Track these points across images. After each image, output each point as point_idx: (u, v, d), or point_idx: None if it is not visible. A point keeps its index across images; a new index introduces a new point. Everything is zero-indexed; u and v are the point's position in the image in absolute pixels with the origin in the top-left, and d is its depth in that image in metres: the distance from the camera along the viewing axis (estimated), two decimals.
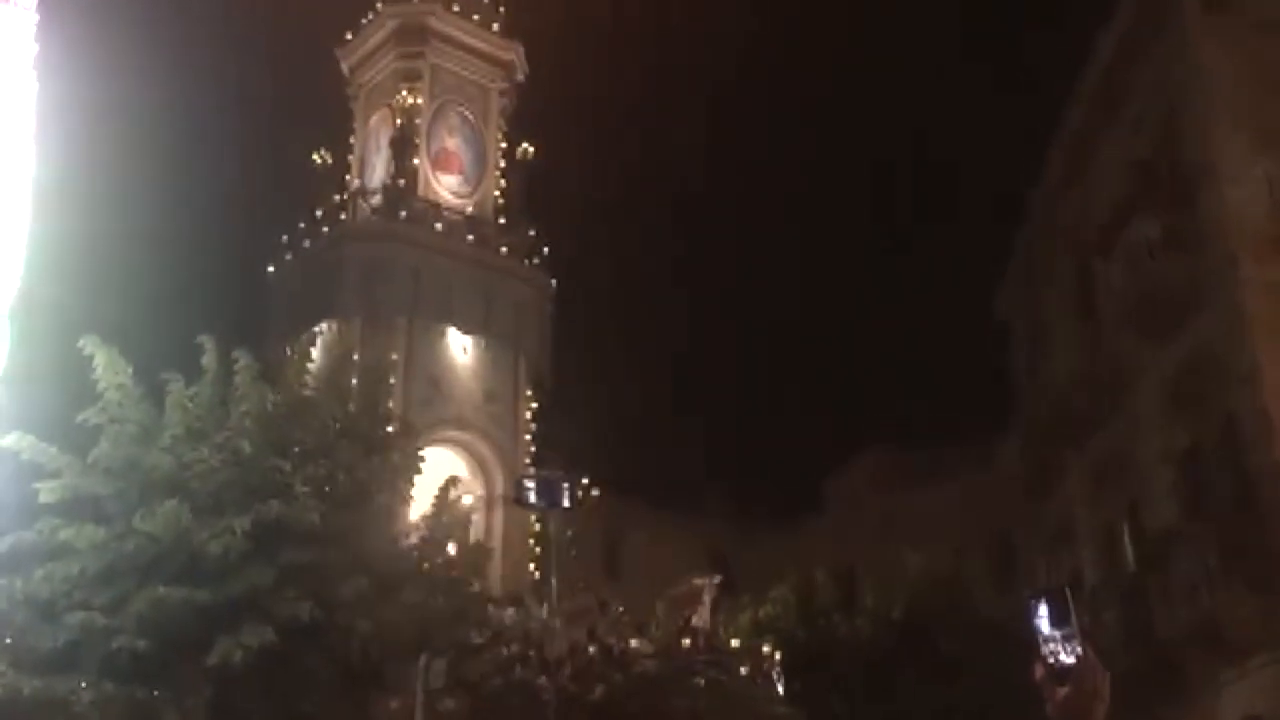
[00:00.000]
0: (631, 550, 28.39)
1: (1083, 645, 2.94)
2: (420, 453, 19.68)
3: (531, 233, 23.52)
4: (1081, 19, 19.90)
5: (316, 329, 21.25)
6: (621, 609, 18.70)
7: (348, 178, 24.17)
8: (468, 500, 21.75)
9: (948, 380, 39.86)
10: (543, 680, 14.88)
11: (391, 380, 20.12)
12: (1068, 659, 2.96)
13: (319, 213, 23.11)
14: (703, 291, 48.15)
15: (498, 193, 24.02)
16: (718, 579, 16.47)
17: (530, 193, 24.13)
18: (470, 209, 23.51)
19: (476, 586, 13.67)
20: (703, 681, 14.77)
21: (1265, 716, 14.99)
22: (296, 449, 11.11)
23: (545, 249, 23.57)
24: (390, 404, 19.60)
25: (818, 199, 48.29)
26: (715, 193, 48.83)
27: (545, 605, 17.92)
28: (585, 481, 21.25)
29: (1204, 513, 16.10)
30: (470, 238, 22.76)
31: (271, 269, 23.20)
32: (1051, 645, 3.00)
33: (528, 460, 22.15)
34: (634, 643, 16.60)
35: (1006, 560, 26.02)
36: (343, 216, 22.92)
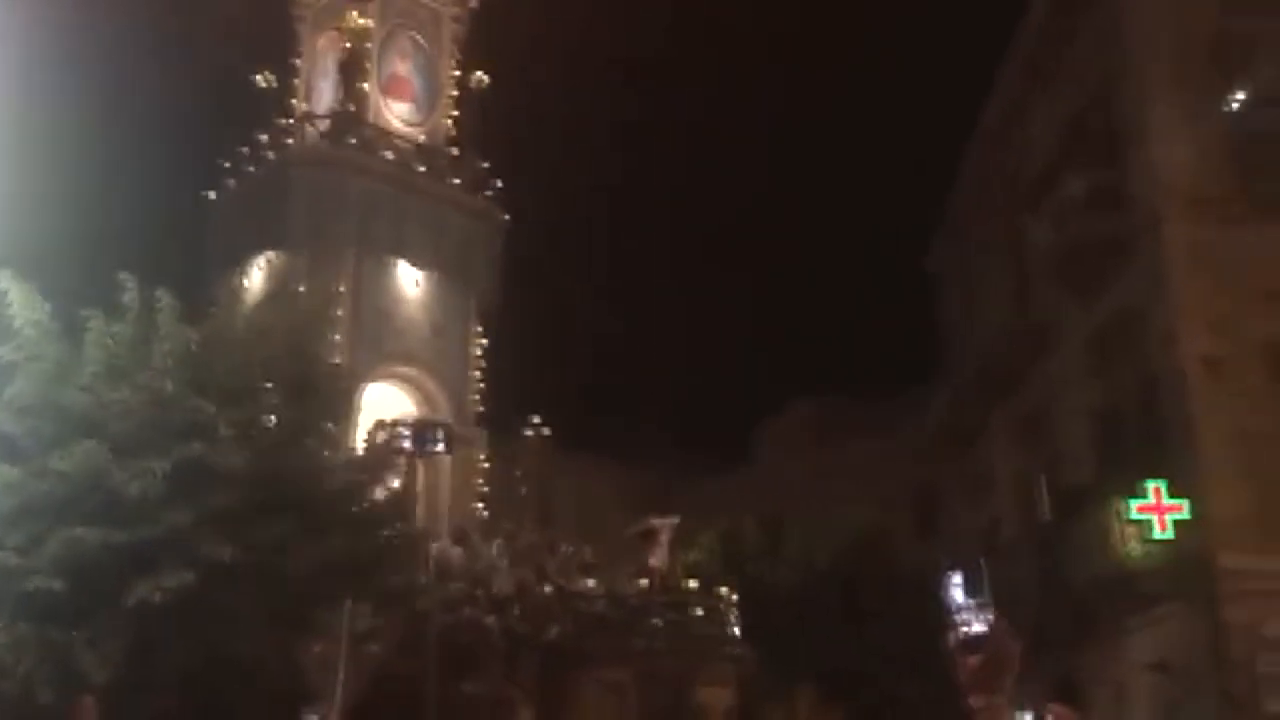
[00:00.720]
0: (564, 493, 28.48)
1: (994, 615, 3.02)
2: (359, 392, 19.64)
3: (485, 165, 23.07)
4: None
5: (260, 258, 20.57)
6: (571, 548, 18.67)
7: (293, 102, 23.11)
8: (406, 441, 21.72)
9: (881, 332, 40.33)
10: (490, 619, 14.95)
11: (339, 312, 19.71)
12: (979, 628, 3.04)
13: (263, 137, 22.24)
14: (652, 232, 47.76)
15: (450, 123, 22.88)
16: (676, 519, 16.24)
17: (483, 125, 23.59)
18: (422, 138, 22.31)
19: (403, 528, 13.66)
20: (660, 622, 14.75)
21: (1169, 661, 15.61)
22: (221, 389, 10.95)
23: (498, 182, 23.15)
24: (330, 339, 19.32)
25: (755, 144, 48.24)
26: (667, 129, 48.50)
27: (494, 544, 18.08)
28: (536, 420, 21.08)
29: (1117, 467, 16.52)
30: (422, 168, 21.75)
31: (212, 195, 22.01)
32: (964, 615, 3.08)
33: (476, 396, 21.55)
34: (590, 583, 16.55)
35: (930, 511, 26.55)
36: (289, 141, 21.62)
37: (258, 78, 22.10)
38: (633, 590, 15.64)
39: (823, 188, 47.50)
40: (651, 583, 15.44)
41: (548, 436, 20.98)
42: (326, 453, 12.77)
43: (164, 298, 11.31)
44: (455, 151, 22.54)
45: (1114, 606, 16.36)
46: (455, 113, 23.21)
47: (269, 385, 11.72)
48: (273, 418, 11.50)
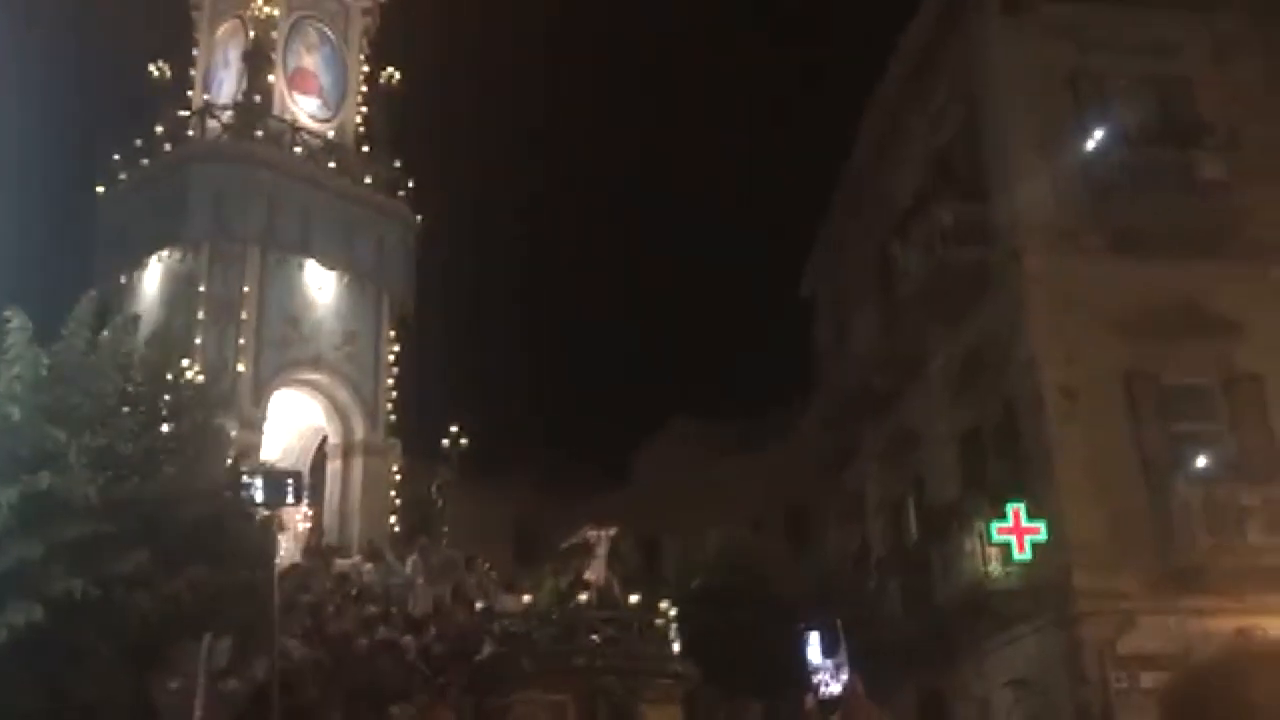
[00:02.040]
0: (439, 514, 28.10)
1: (850, 677, 3.06)
2: (265, 400, 18.81)
3: (397, 164, 21.77)
4: (894, 10, 20.59)
5: (155, 257, 19.61)
6: (488, 565, 17.99)
7: (189, 93, 21.57)
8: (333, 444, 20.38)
9: (757, 355, 40.92)
10: (408, 639, 14.46)
11: (244, 315, 18.77)
12: (836, 688, 3.08)
13: (159, 129, 20.62)
14: (552, 246, 47.16)
15: (359, 120, 22.12)
16: (613, 530, 15.41)
17: (394, 123, 22.23)
18: (331, 134, 21.40)
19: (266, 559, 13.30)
20: (599, 639, 13.91)
21: (1028, 678, 16.10)
22: (74, 416, 10.56)
23: (410, 183, 22.02)
24: (233, 343, 18.27)
25: (637, 168, 48.57)
26: (560, 145, 48.22)
27: (409, 562, 17.18)
28: (454, 430, 19.99)
29: (980, 490, 17.02)
30: (332, 165, 20.86)
31: (101, 190, 20.65)
32: (821, 675, 3.11)
33: (389, 405, 20.82)
34: (509, 600, 15.87)
35: (803, 532, 26.96)
36: (189, 133, 20.54)
37: (151, 68, 20.83)
38: (569, 606, 14.79)
39: (703, 214, 48.02)
40: (589, 597, 14.63)
41: (465, 447, 20.08)
42: (191, 478, 12.43)
43: (15, 318, 10.87)
44: (366, 149, 21.67)
45: (976, 625, 16.81)
46: (365, 110, 22.31)
47: (125, 411, 11.35)
48: (129, 445, 11.13)
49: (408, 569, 17.10)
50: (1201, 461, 15.84)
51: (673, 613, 15.17)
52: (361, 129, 22.08)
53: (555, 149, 46.99)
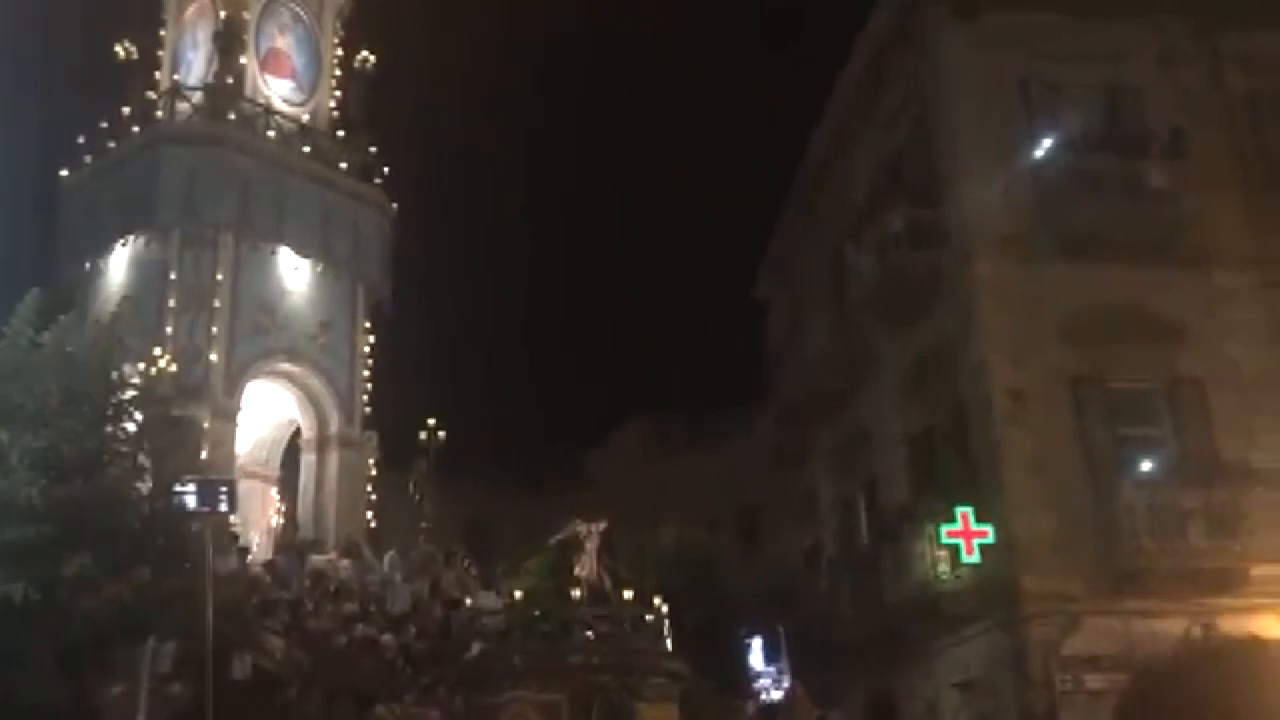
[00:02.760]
0: (389, 514, 27.91)
1: (792, 683, 3.07)
2: (239, 391, 18.24)
3: (373, 149, 21.00)
4: (846, 16, 20.69)
5: (122, 244, 18.98)
6: (468, 562, 17.35)
7: (157, 75, 20.64)
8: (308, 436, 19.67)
9: (713, 356, 41.02)
10: (387, 637, 14.22)
11: (216, 304, 18.19)
12: (776, 695, 3.09)
13: (126, 111, 19.81)
14: (518, 245, 46.62)
15: (333, 104, 21.37)
16: (603, 525, 15.04)
17: (368, 107, 21.52)
18: (306, 118, 20.73)
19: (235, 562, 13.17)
20: (593, 635, 13.60)
21: (976, 679, 16.30)
22: (15, 415, 10.39)
23: (386, 169, 21.08)
24: (207, 332, 17.70)
25: (598, 170, 48.49)
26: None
27: (386, 558, 16.79)
28: (432, 422, 19.56)
29: (930, 493, 17.20)
30: (306, 149, 20.18)
31: (65, 174, 19.88)
32: (763, 681, 3.13)
33: (365, 397, 20.20)
34: (489, 597, 15.41)
35: (756, 532, 27.12)
36: (159, 115, 19.80)
37: (117, 48, 20.19)
38: (561, 602, 14.35)
39: (658, 213, 48.02)
40: (581, 593, 14.29)
41: (443, 440, 19.50)
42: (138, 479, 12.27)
43: None
44: (341, 134, 21.14)
45: (926, 627, 16.99)
46: (339, 94, 21.67)
47: (70, 411, 11.19)
48: (73, 446, 10.99)
49: (385, 565, 16.72)
50: (1145, 465, 16.11)
51: (664, 609, 14.80)
52: (336, 113, 21.39)
53: (530, 138, 46.50)
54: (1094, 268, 16.53)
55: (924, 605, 16.50)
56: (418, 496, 19.27)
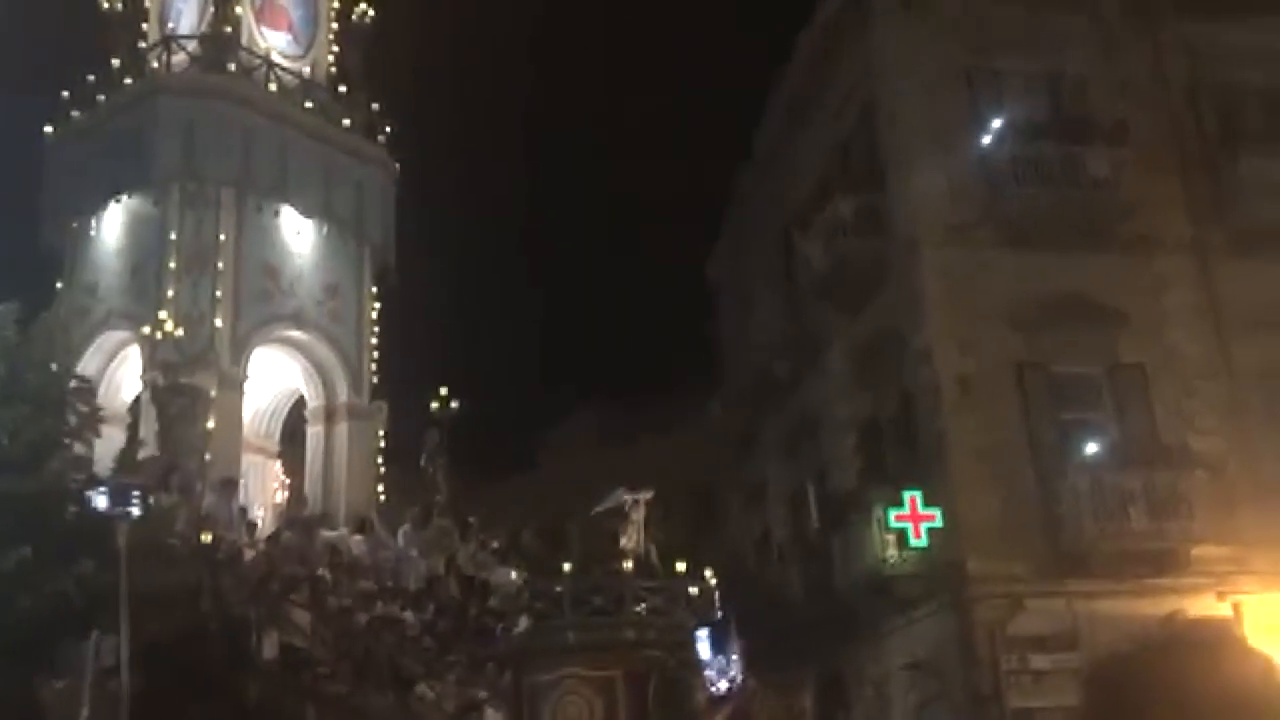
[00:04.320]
0: (399, 488, 27.16)
1: (742, 674, 3.08)
2: (245, 359, 17.51)
3: (375, 106, 20.13)
4: (795, 5, 20.75)
5: (116, 203, 18.11)
6: (484, 537, 16.71)
7: (144, 26, 19.59)
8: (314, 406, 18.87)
9: (663, 341, 41.11)
10: (407, 615, 13.99)
11: (219, 265, 17.33)
12: (724, 685, 3.12)
13: (115, 63, 18.80)
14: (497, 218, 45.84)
15: (331, 59, 20.44)
16: (649, 494, 14.30)
17: (368, 63, 20.65)
18: (307, 72, 19.77)
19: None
20: (644, 610, 12.95)
21: (923, 661, 16.53)
22: None
23: (388, 127, 20.25)
24: (218, 293, 17.34)
25: (556, 154, 48.29)
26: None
27: (400, 533, 16.37)
28: (444, 392, 18.53)
29: (878, 478, 17.38)
30: (308, 104, 19.13)
31: (50, 130, 18.88)
32: (711, 671, 3.15)
33: (373, 365, 19.39)
34: (511, 574, 15.10)
35: (708, 518, 27.21)
36: (155, 65, 18.68)
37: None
38: (610, 574, 13.80)
39: (610, 195, 47.95)
40: (627, 567, 13.69)
41: (456, 410, 18.51)
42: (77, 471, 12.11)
43: None
44: (343, 90, 20.03)
45: (874, 610, 17.18)
46: (337, 49, 20.65)
47: (8, 401, 11.02)
48: (9, 440, 10.83)
49: (399, 541, 16.20)
50: (1088, 449, 16.38)
51: (713, 582, 14.26)
52: (334, 70, 20.47)
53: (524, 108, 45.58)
54: (1038, 254, 16.76)
55: (873, 588, 16.69)
56: (430, 469, 18.18)
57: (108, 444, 18.03)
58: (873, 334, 18.35)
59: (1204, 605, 15.46)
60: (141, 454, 16.24)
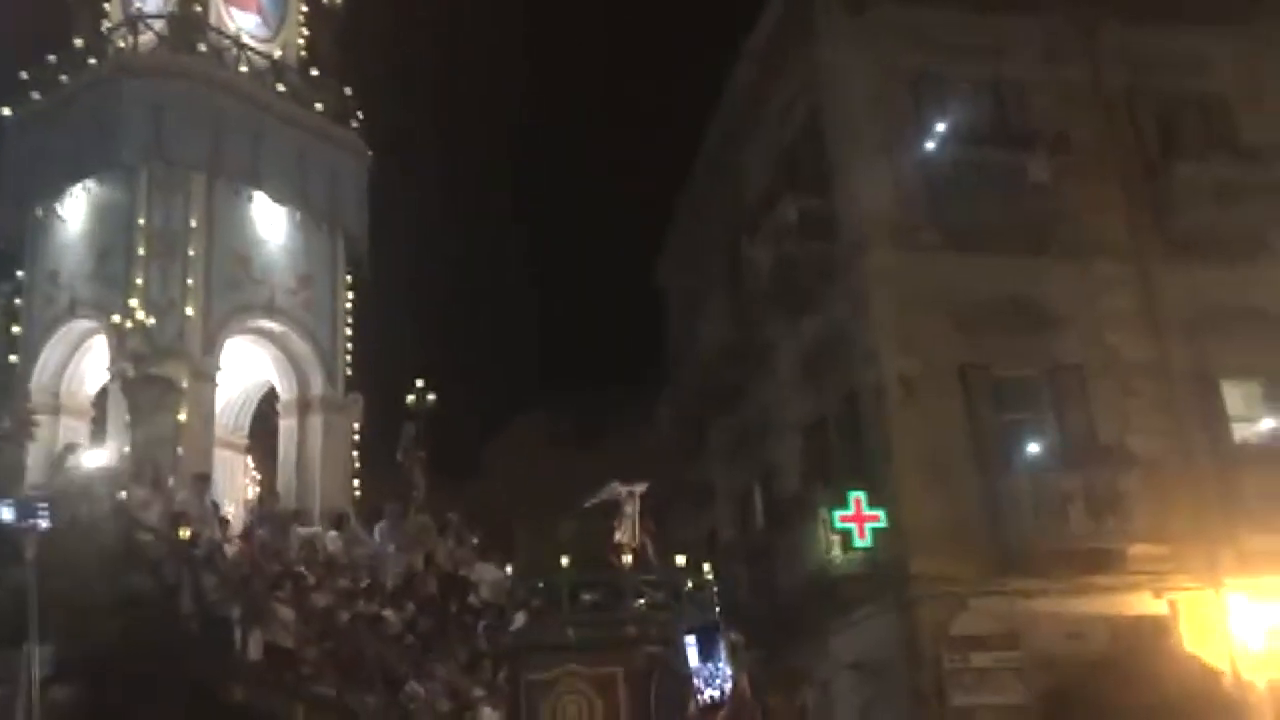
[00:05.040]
0: (374, 482, 26.61)
1: (735, 679, 3.02)
2: (218, 350, 16.98)
3: (347, 91, 19.77)
4: (746, 6, 20.78)
5: (79, 188, 17.64)
6: (463, 533, 16.32)
7: (107, 5, 19.15)
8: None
9: (613, 344, 41.04)
10: (388, 613, 13.74)
11: (190, 252, 16.87)
12: (715, 693, 3.08)
13: (78, 43, 18.34)
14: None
15: (302, 42, 20.01)
16: (643, 486, 13.79)
17: (339, 49, 20.34)
18: (278, 54, 19.30)
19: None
20: (644, 605, 12.42)
21: (867, 661, 16.66)
22: None
23: (360, 113, 19.87)
24: (189, 281, 16.60)
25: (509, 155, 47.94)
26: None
27: (377, 528, 15.88)
28: (420, 385, 18.01)
29: (824, 479, 17.51)
30: (280, 88, 18.75)
31: (8, 112, 18.39)
32: (702, 678, 3.12)
33: (347, 357, 19.05)
34: (488, 570, 14.94)
35: (656, 522, 27.22)
36: (120, 45, 18.18)
37: None
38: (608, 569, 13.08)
39: (559, 199, 47.86)
40: (620, 560, 12.90)
41: (433, 402, 17.93)
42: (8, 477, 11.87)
43: None
44: (315, 73, 19.62)
45: (820, 610, 17.29)
46: (307, 33, 20.23)
47: None
48: None
49: (376, 537, 15.91)
50: (1029, 449, 16.60)
51: (712, 577, 13.74)
52: (304, 53, 20.04)
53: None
54: (980, 258, 16.97)
55: (819, 589, 16.79)
56: (407, 464, 17.63)
57: (71, 436, 17.62)
58: (819, 337, 18.48)
59: (1141, 603, 15.75)
60: (109, 447, 16.00)
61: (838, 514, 16.14)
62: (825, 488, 17.10)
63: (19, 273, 18.06)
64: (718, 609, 13.64)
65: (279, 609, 12.69)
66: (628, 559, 12.86)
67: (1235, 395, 17.39)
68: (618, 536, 13.18)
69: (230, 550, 14.06)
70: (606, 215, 41.01)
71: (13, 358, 17.85)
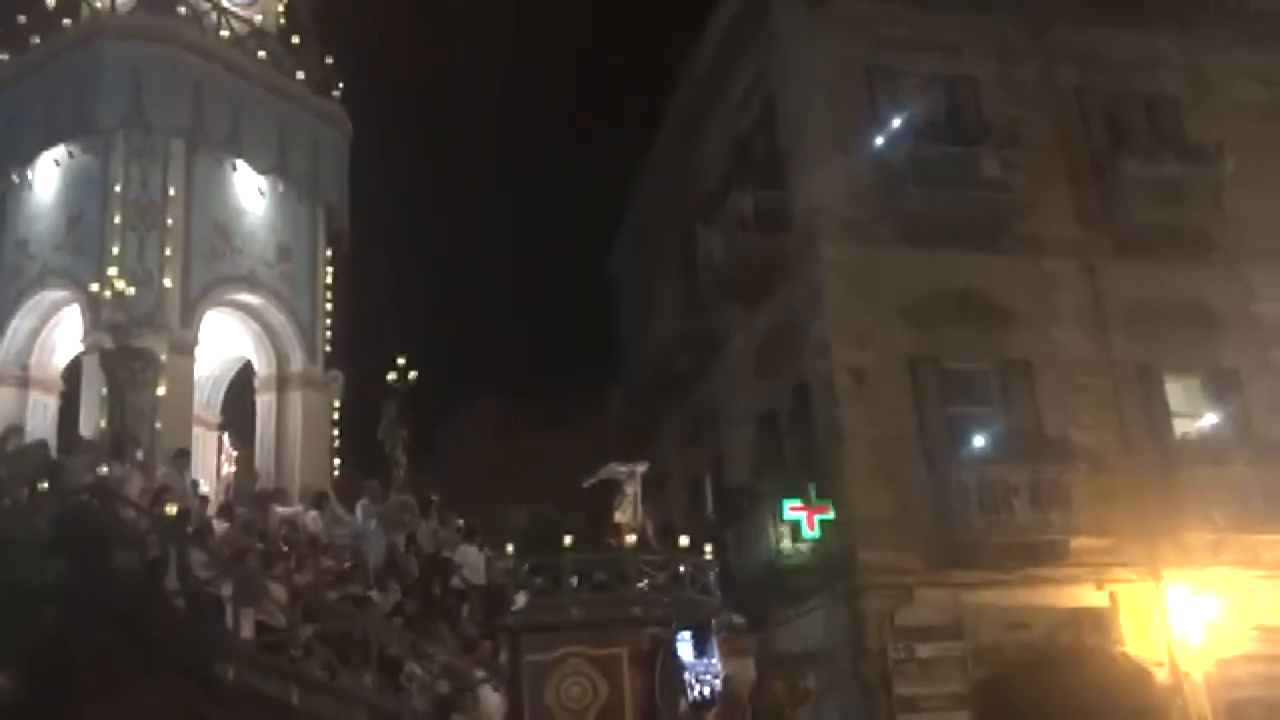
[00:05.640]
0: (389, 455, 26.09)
1: (726, 677, 3.01)
2: (197, 323, 16.60)
3: (329, 60, 19.33)
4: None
5: (53, 154, 17.17)
6: (450, 514, 16.00)
7: None
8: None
9: (564, 333, 40.94)
10: (373, 594, 13.47)
11: (169, 222, 16.41)
12: (707, 690, 3.07)
13: (51, 3, 17.82)
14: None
15: (281, 9, 19.59)
16: (643, 466, 13.77)
17: (320, 17, 20.00)
18: (259, 18, 18.80)
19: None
20: (647, 586, 12.27)
21: (815, 651, 16.78)
22: None
23: (341, 84, 19.42)
24: (167, 251, 16.14)
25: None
26: None
27: (358, 507, 15.53)
28: (401, 361, 17.54)
29: (775, 469, 17.60)
30: (261, 54, 18.31)
31: None
32: (694, 674, 3.10)
33: (327, 333, 18.65)
34: (471, 551, 14.69)
35: (607, 510, 27.24)
36: (96, 5, 17.67)
37: None
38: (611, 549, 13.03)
39: (515, 183, 47.55)
40: (621, 541, 12.99)
41: (415, 380, 17.49)
42: None
43: None
44: (296, 41, 19.13)
45: (769, 600, 17.37)
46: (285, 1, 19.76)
47: None
48: None
49: (358, 516, 15.55)
50: (976, 442, 16.76)
51: (713, 558, 13.57)
52: (284, 20, 19.56)
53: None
54: (932, 252, 17.12)
55: (768, 580, 16.87)
56: (388, 443, 17.20)
57: (38, 410, 17.34)
58: (771, 327, 18.56)
59: (1083, 595, 16.00)
60: (83, 421, 15.64)
61: (787, 504, 16.23)
62: (776, 478, 17.18)
63: None
64: (718, 591, 13.58)
65: (271, 586, 12.46)
66: (630, 539, 12.88)
67: (1177, 391, 17.70)
68: (618, 517, 13.31)
69: (220, 527, 13.72)
70: (561, 197, 40.75)
71: None
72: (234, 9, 18.71)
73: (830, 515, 16.08)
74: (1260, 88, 19.55)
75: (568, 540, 12.70)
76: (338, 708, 11.58)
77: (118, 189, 16.54)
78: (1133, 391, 17.42)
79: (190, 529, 12.97)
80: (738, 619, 13.57)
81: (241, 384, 19.33)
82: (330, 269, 19.18)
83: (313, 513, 15.46)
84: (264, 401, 18.54)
